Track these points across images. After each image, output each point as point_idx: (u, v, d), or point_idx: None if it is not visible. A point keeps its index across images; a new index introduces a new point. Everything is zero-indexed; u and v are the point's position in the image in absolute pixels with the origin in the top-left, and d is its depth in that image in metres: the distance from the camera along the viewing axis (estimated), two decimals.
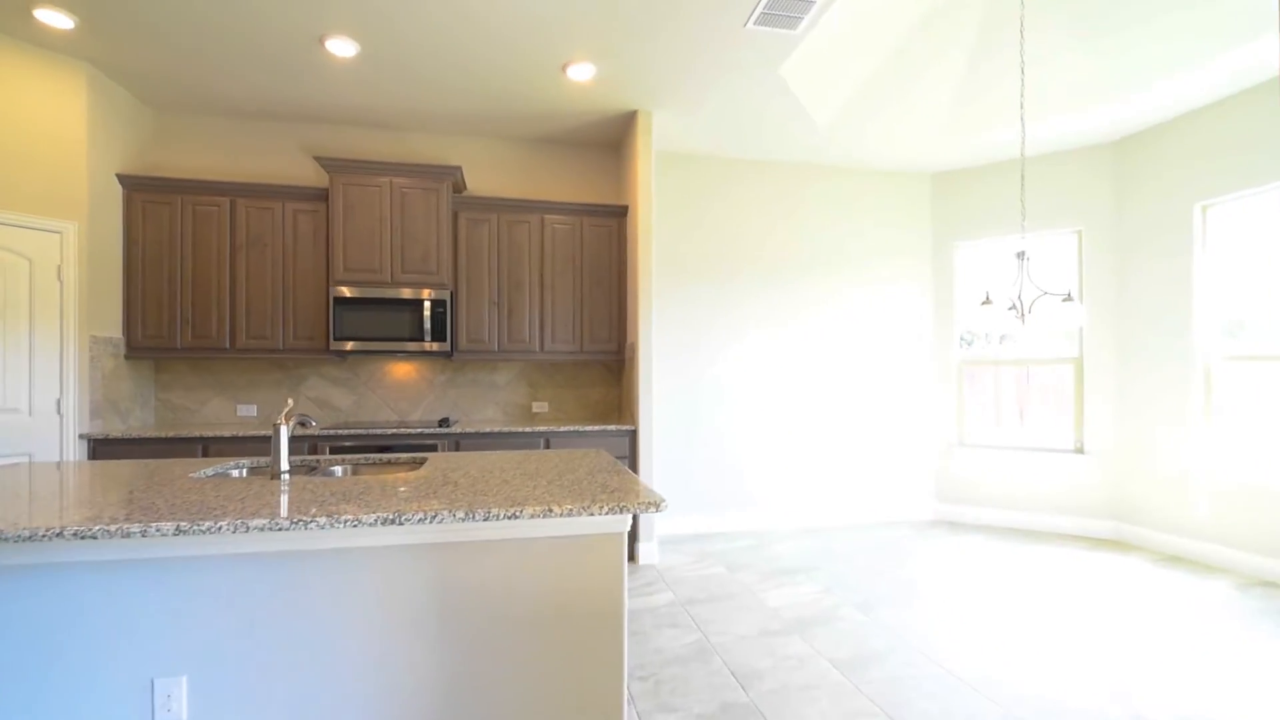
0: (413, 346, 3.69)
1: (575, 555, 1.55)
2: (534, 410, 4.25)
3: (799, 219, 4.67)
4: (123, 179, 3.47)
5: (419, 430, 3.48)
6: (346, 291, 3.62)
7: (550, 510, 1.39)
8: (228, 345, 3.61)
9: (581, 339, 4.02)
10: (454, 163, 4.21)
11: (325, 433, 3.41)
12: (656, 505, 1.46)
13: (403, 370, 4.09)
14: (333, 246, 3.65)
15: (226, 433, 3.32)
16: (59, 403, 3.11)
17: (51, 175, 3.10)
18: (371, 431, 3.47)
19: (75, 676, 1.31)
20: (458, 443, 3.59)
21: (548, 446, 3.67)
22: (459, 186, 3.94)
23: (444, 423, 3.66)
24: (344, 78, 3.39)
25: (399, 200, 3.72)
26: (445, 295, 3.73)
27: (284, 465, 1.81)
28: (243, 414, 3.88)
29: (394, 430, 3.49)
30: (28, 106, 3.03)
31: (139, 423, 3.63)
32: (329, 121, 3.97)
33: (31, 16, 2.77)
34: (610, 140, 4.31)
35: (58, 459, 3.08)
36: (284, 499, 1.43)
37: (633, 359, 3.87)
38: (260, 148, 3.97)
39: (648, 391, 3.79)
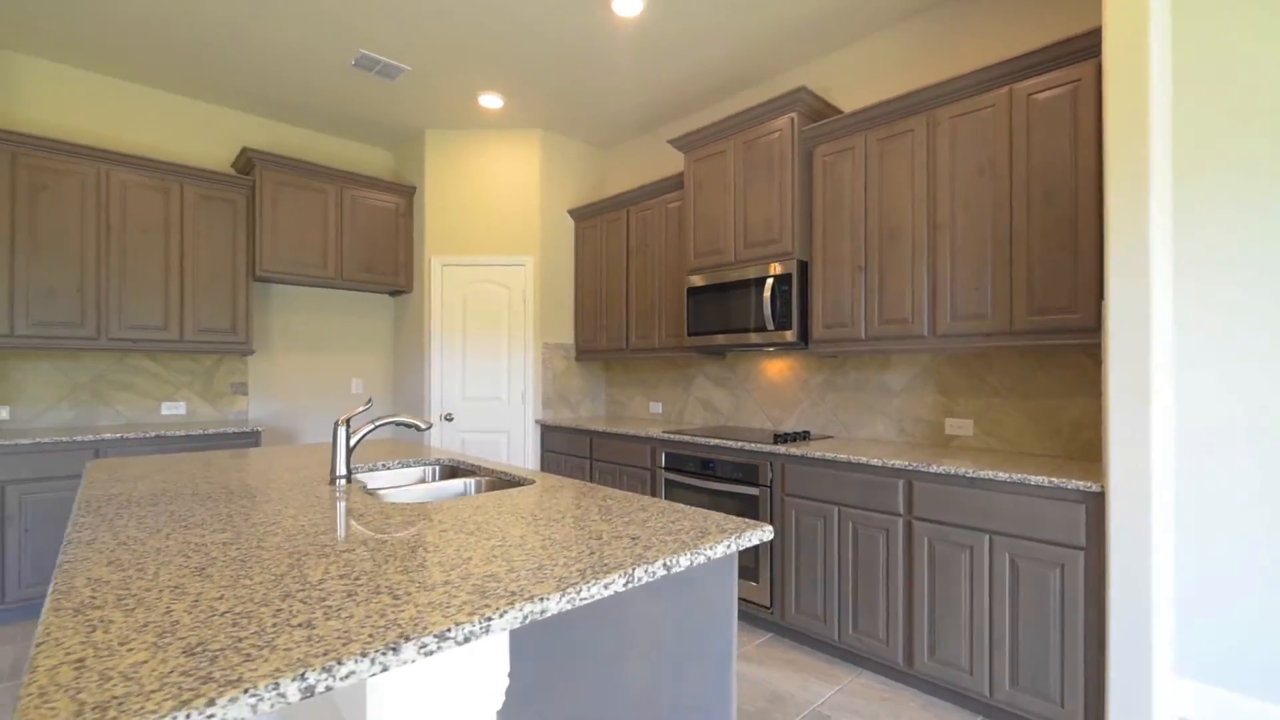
0: (755, 338, 2.93)
1: None
2: (947, 430, 2.65)
3: None
4: (572, 213, 4.24)
5: (753, 446, 2.70)
6: (697, 280, 3.23)
7: None
8: (624, 346, 3.85)
9: (1008, 307, 2.22)
10: (812, 88, 3.15)
11: (662, 435, 3.12)
12: None
13: (775, 369, 3.35)
14: (685, 232, 3.34)
15: (618, 429, 3.51)
16: (522, 394, 4.05)
17: (518, 221, 4.08)
18: (696, 440, 2.94)
19: None
20: (783, 467, 2.59)
21: (908, 498, 2.17)
22: (813, 112, 2.89)
23: (789, 438, 2.74)
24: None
25: (743, 157, 3.04)
26: (791, 267, 2.79)
27: (341, 470, 1.61)
28: (653, 411, 4.08)
29: (716, 440, 2.84)
30: (502, 173, 4.10)
31: (588, 413, 4.35)
32: (681, 117, 3.69)
33: (477, 101, 3.71)
34: None
35: (522, 438, 4.01)
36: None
37: (1109, 342, 1.82)
38: (653, 156, 4.11)
39: (1140, 410, 1.69)
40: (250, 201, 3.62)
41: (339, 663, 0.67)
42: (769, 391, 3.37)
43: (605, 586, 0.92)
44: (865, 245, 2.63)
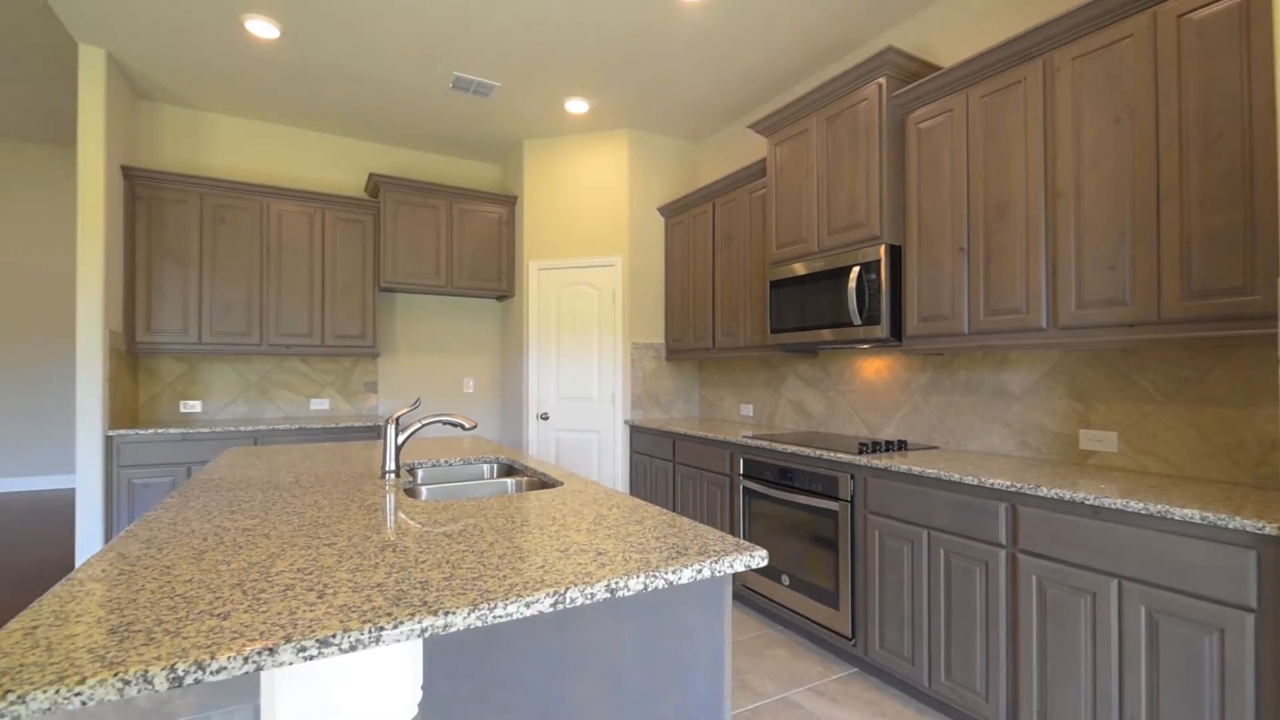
0: (837, 334, 2.63)
1: None
2: (1083, 444, 2.16)
3: None
4: (661, 210, 4.18)
5: (831, 456, 2.43)
6: (778, 273, 3.00)
7: None
8: (711, 345, 3.71)
9: (1154, 290, 1.73)
10: (903, 49, 2.75)
11: (739, 440, 2.94)
12: None
13: (872, 368, 3.00)
14: (768, 222, 3.12)
15: (697, 432, 3.39)
16: (612, 395, 4.07)
17: (608, 222, 4.11)
18: (773, 446, 2.71)
19: None
20: (865, 481, 2.29)
21: (1011, 526, 1.78)
22: (905, 74, 2.52)
23: (876, 448, 2.43)
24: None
25: (827, 135, 2.76)
26: (879, 253, 2.47)
27: (390, 465, 1.68)
28: (744, 413, 3.88)
29: (794, 448, 2.60)
30: (592, 175, 4.15)
31: (680, 414, 4.26)
32: (768, 102, 3.42)
33: (564, 108, 3.79)
34: None
35: (613, 439, 4.03)
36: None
37: None
38: (743, 145, 3.90)
39: None
40: (376, 220, 4.06)
41: (212, 658, 0.67)
42: (865, 394, 3.02)
43: (527, 605, 0.85)
44: (968, 223, 2.23)
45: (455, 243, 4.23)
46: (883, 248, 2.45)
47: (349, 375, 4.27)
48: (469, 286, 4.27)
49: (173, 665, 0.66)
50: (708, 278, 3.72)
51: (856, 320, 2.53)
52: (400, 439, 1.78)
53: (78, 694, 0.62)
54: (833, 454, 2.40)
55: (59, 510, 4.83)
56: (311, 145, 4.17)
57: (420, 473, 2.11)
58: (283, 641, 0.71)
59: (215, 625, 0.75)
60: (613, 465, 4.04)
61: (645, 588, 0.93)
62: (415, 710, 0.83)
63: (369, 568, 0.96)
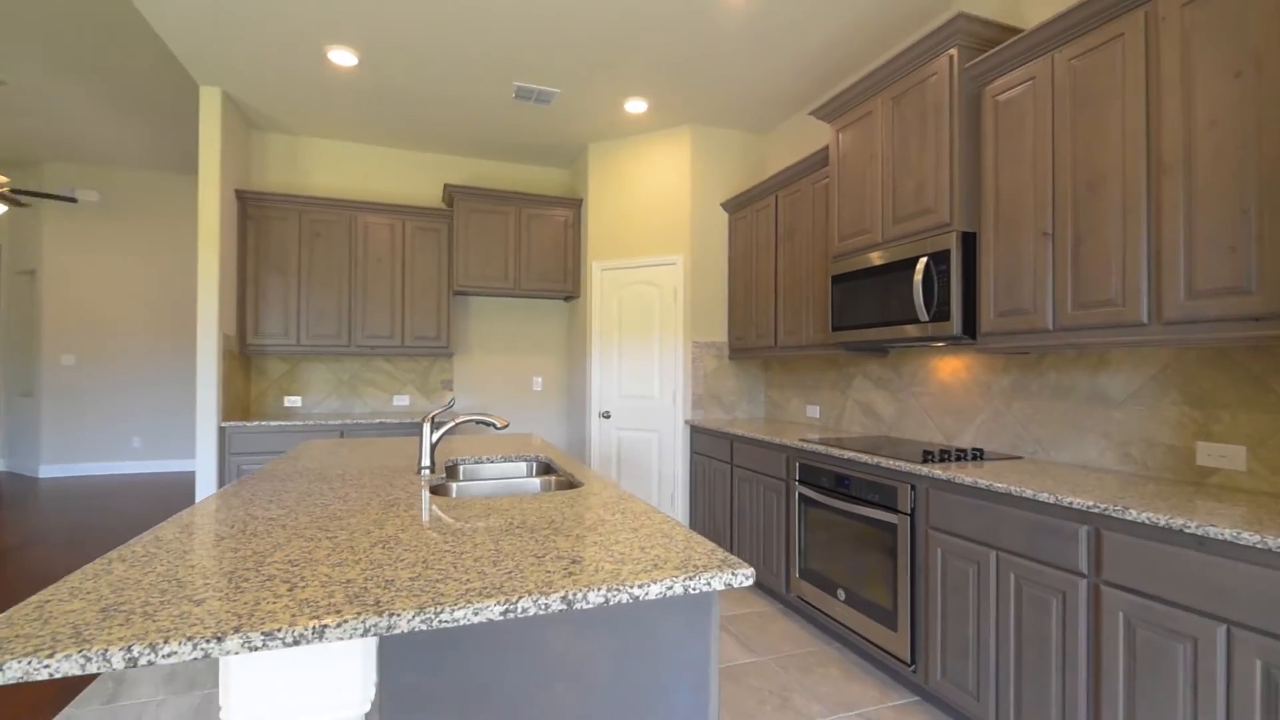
0: (894, 332, 2.42)
1: None
2: (1200, 459, 1.84)
3: None
4: (725, 205, 4.07)
5: (889, 464, 2.24)
6: (840, 267, 2.81)
7: None
8: (773, 343, 3.55)
9: None
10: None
11: (795, 444, 2.78)
12: None
13: (947, 368, 2.74)
14: (830, 213, 2.93)
15: (753, 434, 3.27)
16: (673, 394, 4.01)
17: (669, 220, 4.06)
18: (829, 451, 2.54)
19: None
20: (926, 493, 2.08)
21: (1094, 552, 1.53)
22: (979, 42, 2.26)
23: (943, 456, 2.22)
24: None
25: (893, 116, 2.55)
26: (950, 241, 2.24)
27: (425, 461, 1.74)
28: (810, 415, 3.69)
29: (850, 453, 2.42)
30: (654, 174, 4.12)
31: (744, 415, 4.13)
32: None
33: (623, 109, 3.78)
34: None
35: (673, 439, 3.98)
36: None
37: None
38: (809, 134, 3.70)
39: None
40: (450, 228, 4.28)
41: (165, 642, 0.72)
42: (940, 396, 2.76)
43: (475, 613, 0.83)
44: (1053, 203, 1.96)
45: (523, 246, 4.36)
46: (954, 235, 2.22)
47: (427, 374, 4.53)
48: (536, 288, 4.39)
49: (129, 646, 0.70)
50: (770, 274, 3.57)
51: (923, 316, 2.31)
52: (435, 437, 1.84)
53: (46, 666, 0.68)
54: (891, 462, 2.20)
55: (187, 489, 5.54)
56: (393, 161, 4.47)
57: (463, 468, 2.18)
58: (232, 631, 0.74)
59: (187, 611, 0.80)
60: (673, 466, 3.98)
61: (606, 601, 0.88)
62: (367, 706, 0.84)
63: (350, 563, 0.99)
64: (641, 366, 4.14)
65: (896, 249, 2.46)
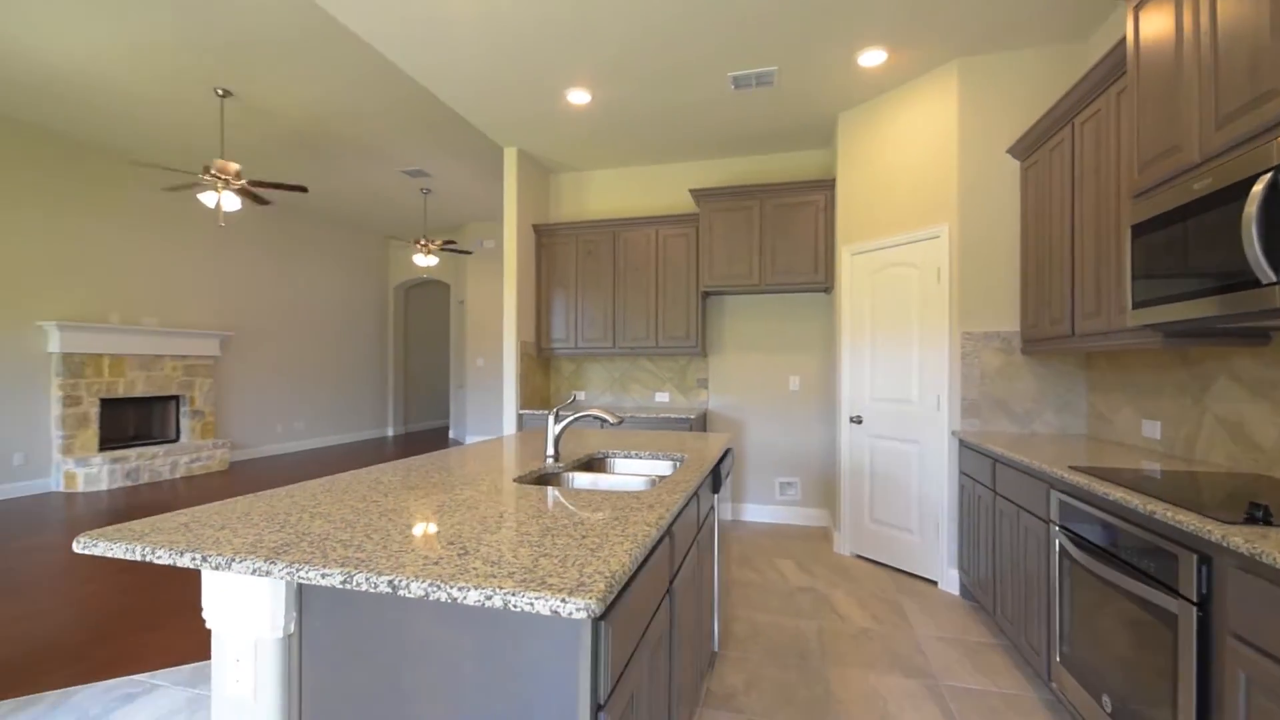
0: (1216, 305, 1.45)
1: None
2: None
3: None
4: (1013, 150, 3.13)
5: (1173, 519, 1.39)
6: (1142, 210, 1.87)
7: None
8: (1069, 331, 2.56)
9: None
10: None
11: (1057, 474, 1.95)
12: None
13: None
14: (1126, 132, 1.96)
15: (1014, 455, 2.44)
16: (937, 398, 3.26)
17: (930, 184, 3.33)
18: (1094, 490, 1.69)
19: None
20: (1226, 576, 1.19)
21: None
22: None
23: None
24: None
25: None
26: None
27: (550, 451, 1.90)
28: (1146, 434, 2.53)
29: (1122, 494, 1.56)
30: (909, 131, 3.43)
31: (1048, 428, 3.06)
32: None
33: (857, 64, 3.26)
34: None
35: (938, 453, 3.25)
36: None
37: None
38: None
39: None
40: (696, 230, 4.46)
41: (187, 551, 1.05)
42: None
43: (323, 576, 0.93)
44: None
45: (766, 240, 4.21)
46: None
47: (684, 372, 4.81)
48: (782, 282, 4.18)
49: (181, 551, 1.04)
50: (1065, 236, 2.58)
51: (1267, 274, 1.34)
52: (557, 429, 2.00)
53: (142, 548, 1.06)
54: (1169, 513, 1.35)
55: None
56: (647, 177, 4.90)
57: (617, 462, 2.28)
58: (214, 552, 1.01)
59: (227, 537, 1.13)
60: (937, 488, 3.24)
61: (426, 596, 0.85)
62: (281, 633, 1.02)
63: (356, 525, 1.21)
64: (897, 365, 3.51)
65: (1222, 170, 1.49)
